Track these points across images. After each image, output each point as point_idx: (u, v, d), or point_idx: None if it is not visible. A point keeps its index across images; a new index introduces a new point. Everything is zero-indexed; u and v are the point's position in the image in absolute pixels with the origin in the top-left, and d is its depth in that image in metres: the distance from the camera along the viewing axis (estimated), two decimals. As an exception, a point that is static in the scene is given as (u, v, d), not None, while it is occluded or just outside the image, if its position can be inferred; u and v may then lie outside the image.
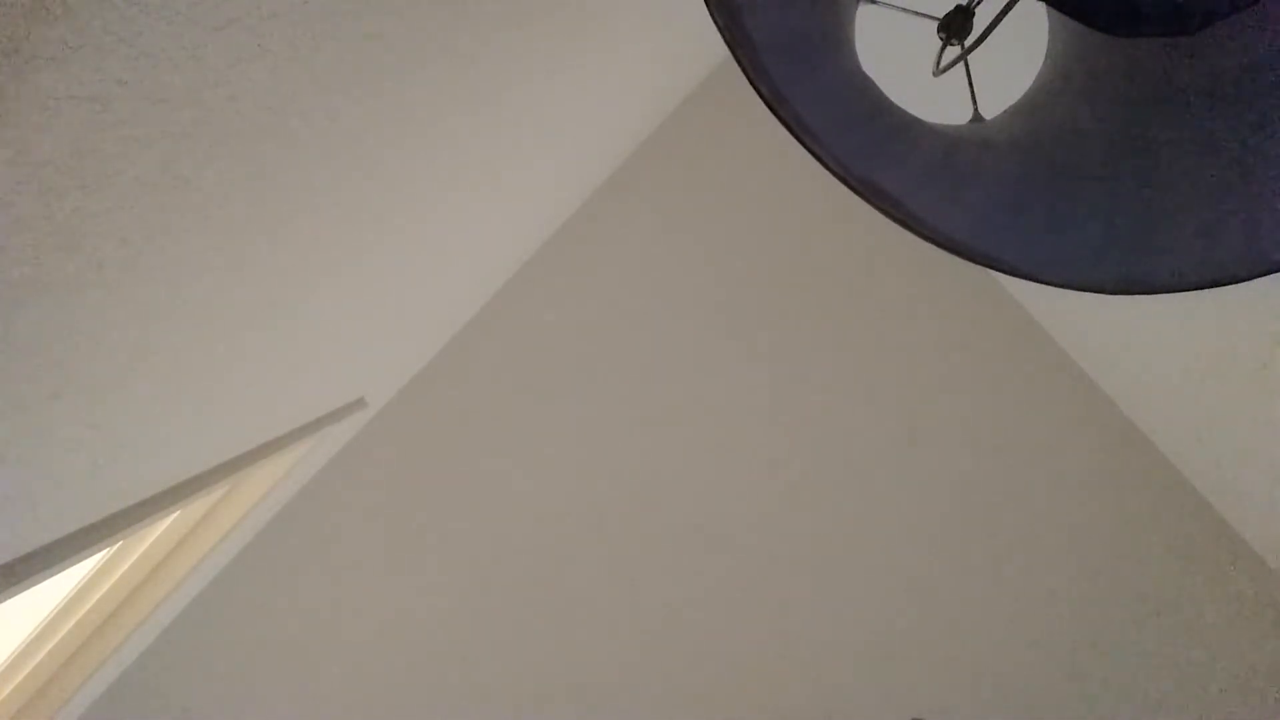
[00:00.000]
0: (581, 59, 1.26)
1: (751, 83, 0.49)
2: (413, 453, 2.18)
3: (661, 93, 2.00)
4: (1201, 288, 0.52)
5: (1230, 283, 0.51)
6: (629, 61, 1.53)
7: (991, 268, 0.55)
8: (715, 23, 0.49)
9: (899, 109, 0.65)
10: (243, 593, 2.12)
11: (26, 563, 0.91)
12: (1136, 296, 0.54)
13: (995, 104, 0.80)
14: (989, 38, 0.65)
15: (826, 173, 0.51)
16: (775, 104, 0.50)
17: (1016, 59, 0.92)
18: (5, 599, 0.93)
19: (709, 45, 1.98)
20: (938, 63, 0.81)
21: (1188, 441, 1.80)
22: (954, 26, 0.73)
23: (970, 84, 0.83)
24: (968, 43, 0.72)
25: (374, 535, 2.16)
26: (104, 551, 1.55)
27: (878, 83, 0.65)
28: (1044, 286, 0.55)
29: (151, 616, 1.77)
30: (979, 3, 0.73)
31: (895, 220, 0.52)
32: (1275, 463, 1.47)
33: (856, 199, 0.53)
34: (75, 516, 0.96)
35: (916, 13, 0.86)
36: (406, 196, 1.05)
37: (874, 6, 0.84)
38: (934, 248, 0.54)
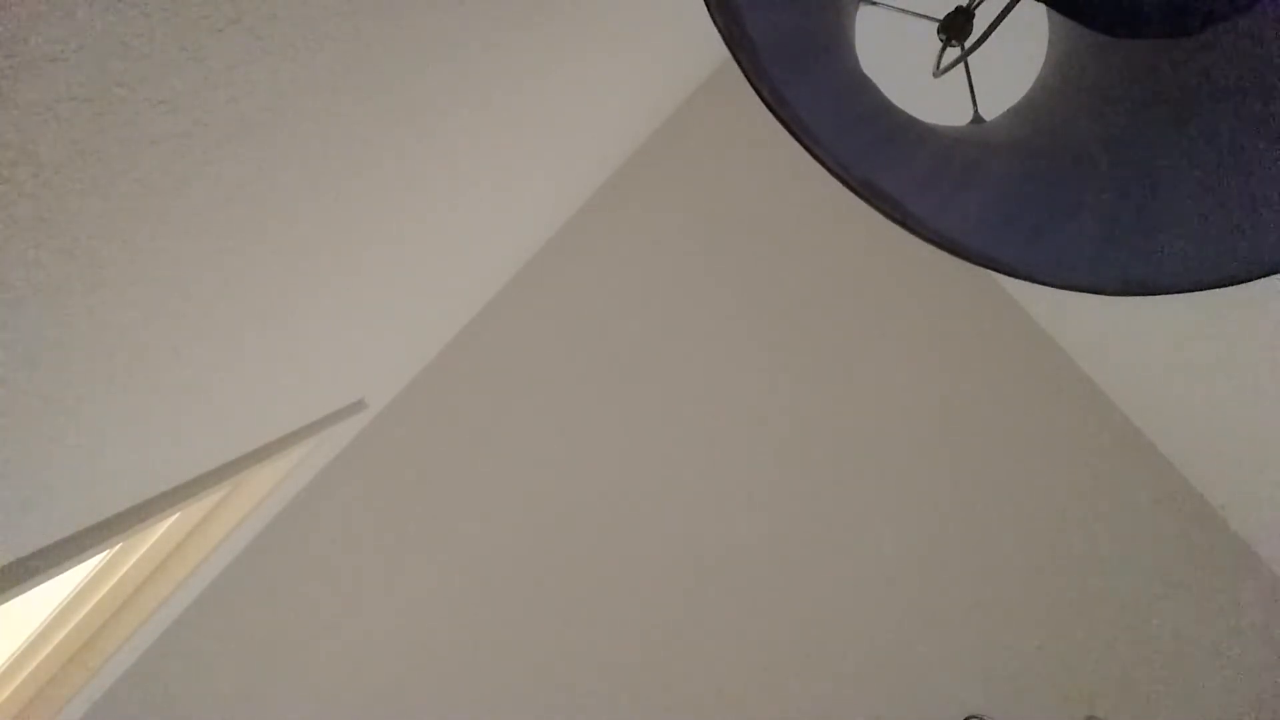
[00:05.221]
0: (582, 60, 1.26)
1: (751, 84, 0.49)
2: (412, 454, 2.18)
3: (661, 94, 2.00)
4: (1201, 289, 0.52)
5: (1230, 284, 0.51)
6: (629, 62, 1.53)
7: (991, 268, 0.55)
8: (715, 23, 0.49)
9: (899, 110, 0.65)
10: (243, 594, 2.12)
11: (27, 564, 0.91)
12: (1136, 298, 0.54)
13: (995, 105, 0.80)
14: (989, 39, 0.65)
15: (826, 174, 0.51)
16: (775, 105, 0.50)
17: (1016, 60, 0.92)
18: (6, 600, 0.93)
19: (709, 46, 1.98)
20: (938, 64, 0.81)
21: (1187, 441, 1.80)
22: (954, 27, 0.73)
23: (970, 85, 0.83)
24: (968, 44, 0.72)
25: (374, 536, 2.15)
26: (104, 553, 1.55)
27: (878, 83, 0.65)
28: (1044, 286, 0.55)
29: (152, 618, 1.77)
30: (979, 4, 0.73)
31: (895, 221, 0.52)
32: (1275, 462, 1.47)
33: (856, 200, 0.53)
34: (75, 518, 0.96)
35: (917, 14, 0.86)
36: (407, 198, 1.05)
37: (874, 7, 0.84)
38: (934, 248, 0.54)
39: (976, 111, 0.82)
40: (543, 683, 2.07)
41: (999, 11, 0.59)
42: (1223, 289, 0.52)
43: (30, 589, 0.95)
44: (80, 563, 1.04)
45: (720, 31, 0.49)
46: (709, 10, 0.48)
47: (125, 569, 1.69)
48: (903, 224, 0.52)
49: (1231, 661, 1.85)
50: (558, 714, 2.06)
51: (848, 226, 2.15)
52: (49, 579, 0.98)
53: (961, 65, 0.78)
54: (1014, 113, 0.73)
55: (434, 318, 1.85)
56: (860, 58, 0.69)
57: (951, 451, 2.05)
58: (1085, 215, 0.57)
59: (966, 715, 1.92)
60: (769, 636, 2.03)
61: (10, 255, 0.50)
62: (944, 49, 0.78)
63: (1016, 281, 2.02)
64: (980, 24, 0.69)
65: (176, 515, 1.63)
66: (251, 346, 0.99)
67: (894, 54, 1.50)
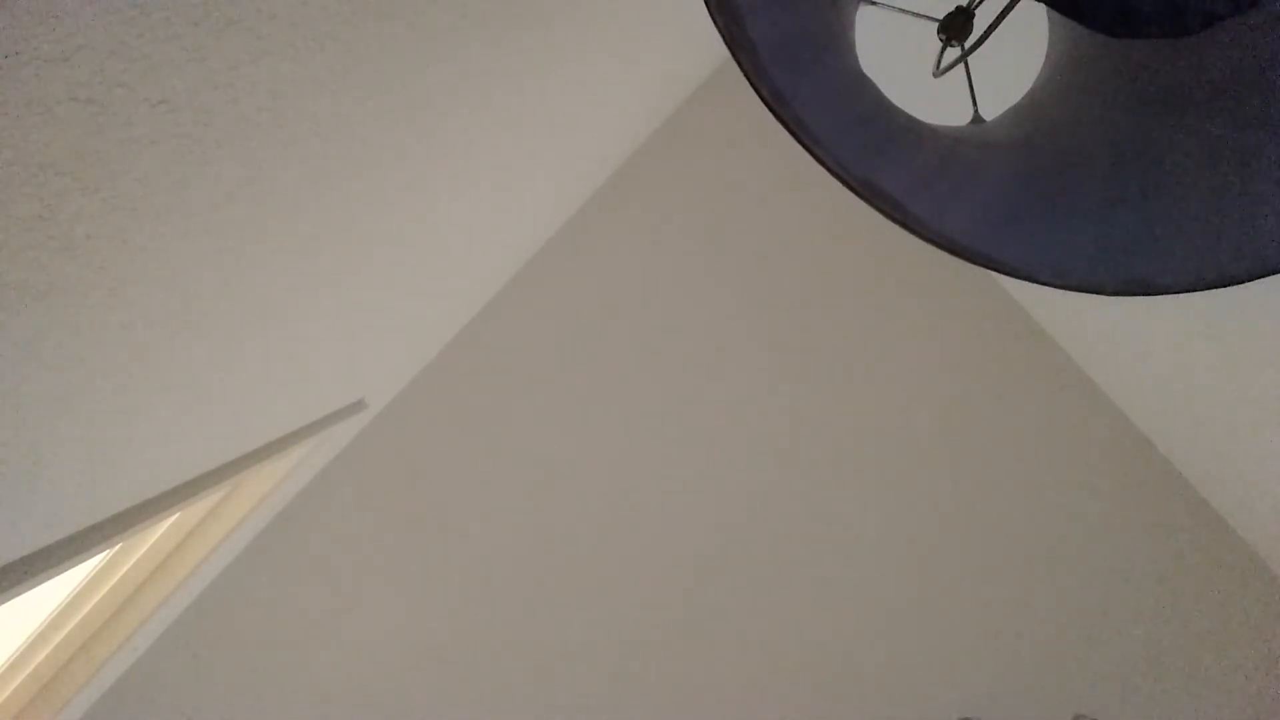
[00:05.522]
0: (582, 60, 1.26)
1: (752, 84, 0.49)
2: (412, 454, 2.18)
3: (661, 94, 2.00)
4: (1201, 289, 0.52)
5: (1230, 284, 0.51)
6: (629, 62, 1.53)
7: (991, 268, 0.55)
8: (716, 24, 0.49)
9: (899, 110, 0.65)
10: (243, 594, 2.12)
11: (27, 564, 0.91)
12: (1136, 298, 0.54)
13: (995, 105, 0.80)
14: (989, 39, 0.65)
15: (826, 173, 0.51)
16: (776, 105, 0.50)
17: (1017, 60, 0.92)
18: (6, 600, 0.93)
19: (709, 46, 1.98)
20: (938, 64, 0.81)
21: (1187, 441, 1.80)
22: (954, 27, 0.73)
23: (970, 85, 0.83)
24: (968, 44, 0.72)
25: (373, 536, 2.16)
26: (104, 553, 1.55)
27: (878, 84, 0.65)
28: (1044, 287, 0.55)
29: (152, 618, 1.77)
30: (979, 3, 0.73)
31: (895, 221, 0.52)
32: (1274, 463, 1.47)
33: (856, 200, 0.53)
34: (76, 518, 0.96)
35: (917, 14, 0.86)
36: (407, 198, 1.05)
37: (874, 7, 0.84)
38: (934, 249, 0.54)
39: (976, 111, 0.82)
40: (543, 682, 2.07)
41: (999, 11, 0.59)
42: (1223, 289, 0.52)
43: (30, 589, 0.95)
44: (80, 563, 1.04)
45: (720, 32, 0.49)
46: (709, 11, 0.48)
47: (125, 569, 1.69)
48: (903, 224, 0.52)
49: (1228, 662, 1.85)
50: (558, 714, 2.06)
51: (848, 226, 2.15)
52: (49, 579, 0.98)
53: (961, 65, 0.78)
54: (1014, 113, 0.73)
55: (434, 318, 1.85)
56: (860, 58, 0.69)
57: (950, 451, 2.05)
58: (1085, 215, 0.57)
59: (961, 717, 1.92)
60: (767, 636, 2.03)
61: (10, 255, 0.50)
62: (944, 49, 0.78)
63: (1016, 281, 2.02)
64: (980, 24, 0.69)
65: (176, 515, 1.63)
66: (251, 346, 0.99)
67: (894, 54, 1.50)
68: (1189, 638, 1.87)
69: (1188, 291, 0.52)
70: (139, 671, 2.05)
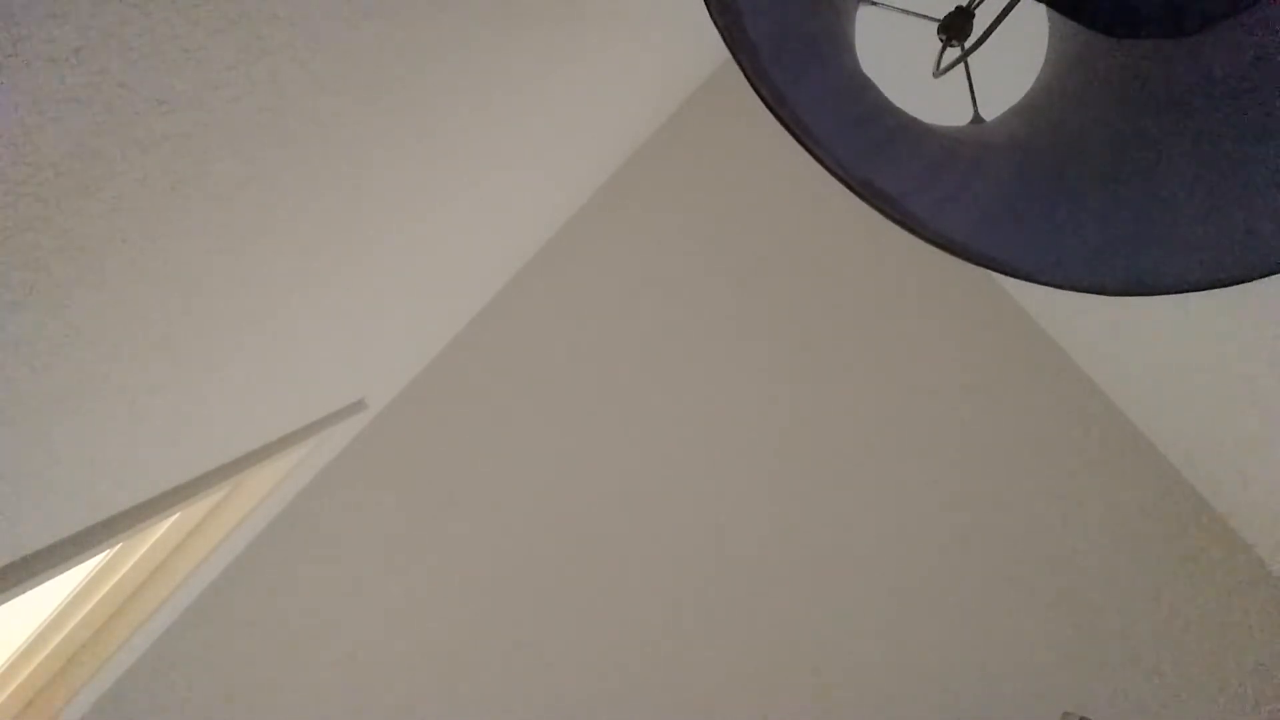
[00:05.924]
0: (582, 62, 1.26)
1: (752, 84, 0.49)
2: (412, 454, 2.18)
3: (661, 94, 2.00)
4: (1201, 289, 0.52)
5: (1230, 284, 0.51)
6: (629, 63, 1.53)
7: (991, 268, 0.55)
8: (716, 24, 0.49)
9: (899, 110, 0.65)
10: (243, 594, 2.12)
11: (27, 564, 0.91)
12: (1136, 298, 0.54)
13: (995, 105, 0.80)
14: (989, 39, 0.65)
15: (826, 174, 0.51)
16: (776, 105, 0.50)
17: (1016, 60, 0.92)
18: (6, 600, 0.93)
19: (709, 46, 1.98)
20: (938, 64, 0.81)
21: (1187, 441, 1.80)
22: (954, 28, 0.73)
23: (970, 85, 0.83)
24: (968, 44, 0.72)
25: (374, 537, 2.15)
26: (104, 553, 1.55)
27: (878, 84, 0.65)
28: (1044, 287, 0.55)
29: (152, 618, 1.77)
30: (979, 4, 0.73)
31: (895, 221, 0.52)
32: (1274, 462, 1.47)
33: (856, 200, 0.53)
34: (75, 518, 0.96)
35: (917, 14, 0.86)
36: (407, 198, 1.05)
37: (874, 7, 0.84)
38: (934, 249, 0.54)
39: (976, 111, 0.82)
40: (543, 683, 2.07)
41: (999, 11, 0.59)
42: (1223, 289, 0.52)
43: (30, 589, 0.95)
44: (80, 563, 1.04)
45: (721, 32, 0.49)
46: (709, 11, 0.48)
47: (125, 569, 1.69)
48: (902, 224, 0.52)
49: (1226, 662, 1.85)
50: (559, 713, 2.06)
51: (848, 227, 2.15)
52: (49, 579, 0.98)
53: (961, 65, 0.78)
54: (1014, 113, 0.73)
55: (434, 318, 1.85)
56: (860, 58, 0.69)
57: (949, 451, 2.05)
58: (1085, 215, 0.57)
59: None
60: (765, 634, 2.03)
61: (10, 255, 0.50)
62: (944, 49, 0.78)
63: (1016, 281, 2.02)
64: (980, 24, 0.69)
65: (176, 515, 1.63)
66: (251, 346, 0.99)
67: (894, 54, 1.51)
68: (1187, 637, 1.87)
69: (1188, 291, 0.52)
70: (139, 672, 2.05)
